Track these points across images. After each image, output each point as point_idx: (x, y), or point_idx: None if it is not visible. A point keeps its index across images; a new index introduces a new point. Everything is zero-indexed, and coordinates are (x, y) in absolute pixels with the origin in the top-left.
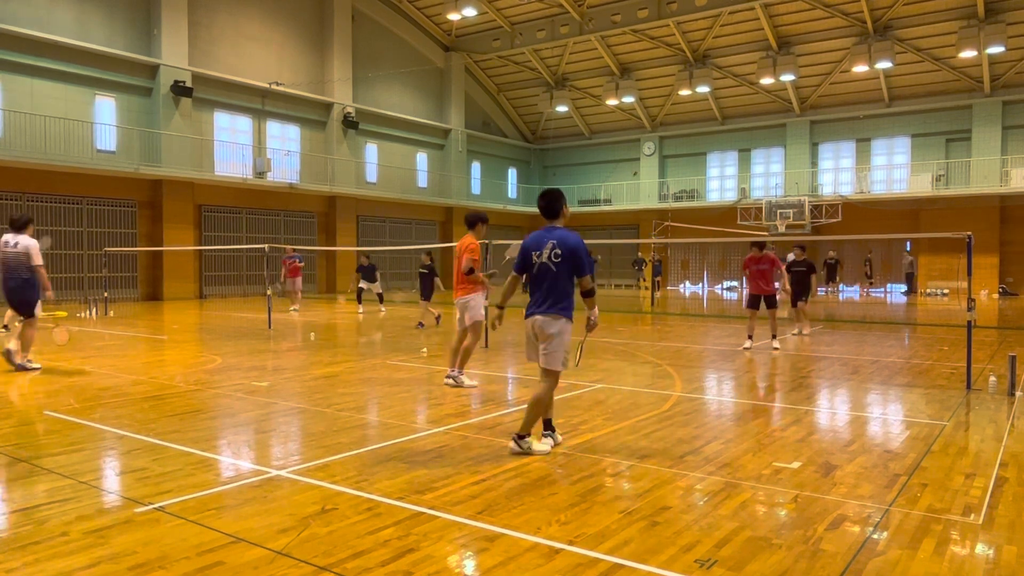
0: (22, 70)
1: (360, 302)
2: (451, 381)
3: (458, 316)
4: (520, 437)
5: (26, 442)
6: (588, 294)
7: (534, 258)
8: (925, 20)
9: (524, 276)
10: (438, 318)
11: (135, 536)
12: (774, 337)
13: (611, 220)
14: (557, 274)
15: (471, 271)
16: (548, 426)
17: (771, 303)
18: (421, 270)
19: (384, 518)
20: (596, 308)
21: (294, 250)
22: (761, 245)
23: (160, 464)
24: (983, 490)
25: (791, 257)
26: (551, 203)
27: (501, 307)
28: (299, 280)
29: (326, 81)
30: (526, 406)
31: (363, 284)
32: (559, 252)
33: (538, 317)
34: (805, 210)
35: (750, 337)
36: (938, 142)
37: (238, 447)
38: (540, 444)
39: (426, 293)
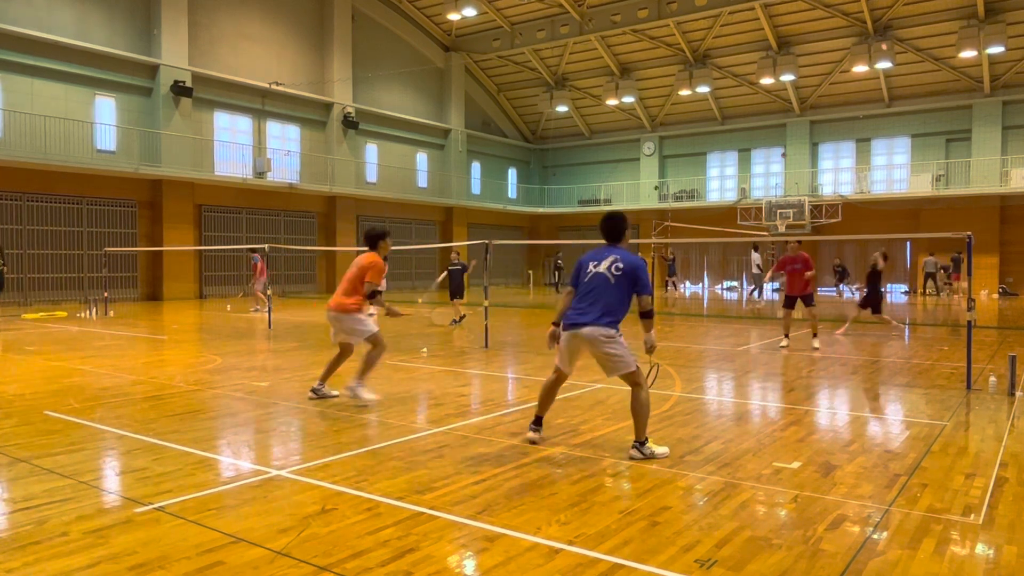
0: (22, 70)
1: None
2: (348, 392)
3: (333, 330)
4: (641, 444)
5: (26, 442)
6: (647, 315)
7: (590, 268)
8: (925, 20)
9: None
10: (462, 317)
11: (135, 536)
12: (815, 336)
13: None
14: (614, 287)
15: (374, 295)
16: (539, 421)
17: (808, 301)
18: (452, 267)
19: (384, 518)
20: (653, 331)
21: (251, 251)
22: (799, 242)
23: (160, 464)
24: (983, 490)
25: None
26: (615, 226)
27: (557, 324)
28: (261, 281)
29: (326, 81)
30: (633, 417)
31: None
32: (621, 267)
33: (587, 330)
34: (805, 210)
35: (786, 336)
36: (938, 142)
37: (238, 447)
38: (660, 448)
39: (457, 291)
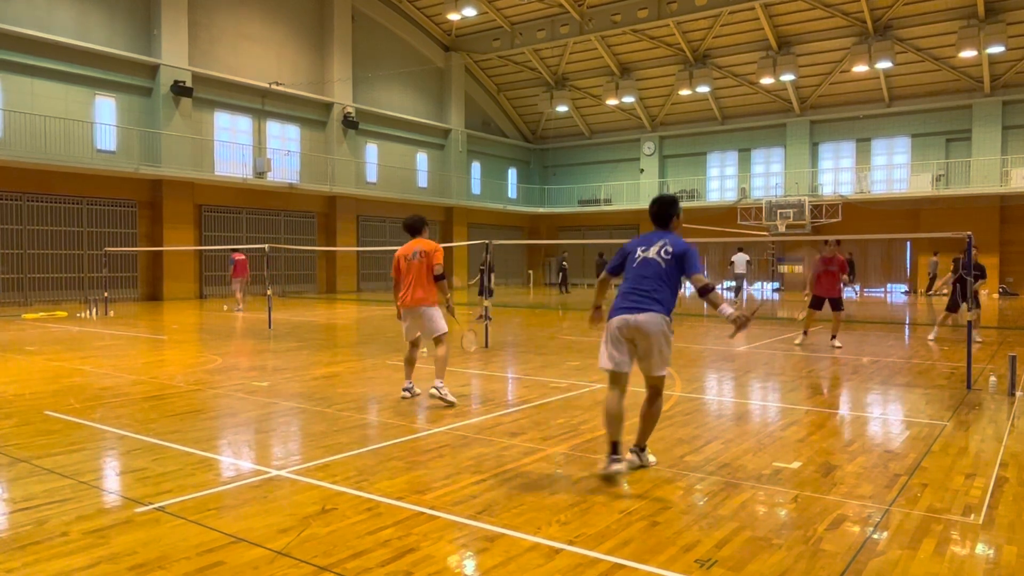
0: (22, 70)
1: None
2: (435, 394)
3: (407, 325)
4: (641, 450)
5: (26, 442)
6: (705, 291)
7: (638, 253)
8: (925, 20)
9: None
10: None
11: (135, 536)
12: (834, 337)
13: (611, 220)
14: (666, 271)
15: (442, 276)
16: (616, 449)
17: (836, 305)
18: (481, 267)
19: (384, 518)
20: (725, 304)
21: (234, 251)
22: (837, 242)
23: (160, 464)
24: (983, 490)
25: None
26: (662, 209)
27: (599, 307)
28: (237, 280)
29: (326, 81)
30: (644, 421)
31: None
32: (670, 250)
33: (639, 316)
34: (805, 210)
35: (805, 333)
36: (938, 142)
37: (238, 447)
38: (652, 456)
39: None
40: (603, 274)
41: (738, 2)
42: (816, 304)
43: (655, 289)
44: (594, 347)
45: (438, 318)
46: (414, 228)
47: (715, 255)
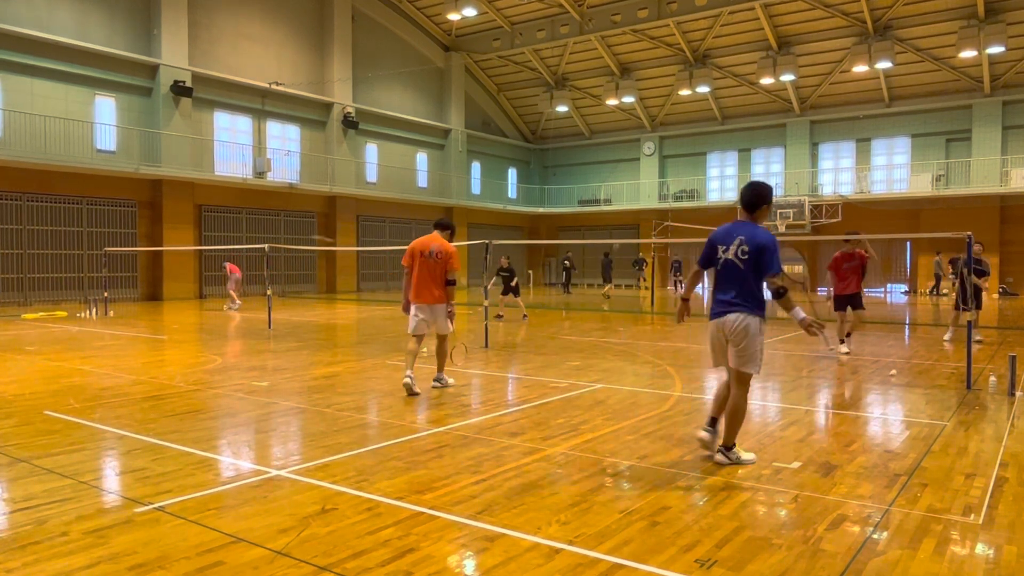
0: (22, 70)
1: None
2: (437, 384)
3: (419, 320)
4: (728, 448)
5: (26, 442)
6: (778, 294)
7: (720, 253)
8: (925, 20)
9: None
10: (524, 316)
11: (135, 536)
12: (848, 337)
13: (611, 220)
14: (745, 272)
15: (453, 283)
16: (713, 424)
17: (857, 304)
18: (503, 273)
19: (384, 518)
20: (798, 308)
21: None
22: (853, 239)
23: (160, 464)
24: (983, 490)
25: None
26: (754, 196)
27: (686, 299)
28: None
29: (326, 81)
30: (725, 419)
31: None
32: (746, 249)
33: (728, 317)
34: (805, 210)
35: (842, 341)
36: (938, 142)
37: (238, 447)
38: (747, 454)
39: (512, 290)
40: (696, 267)
41: (738, 2)
42: (841, 305)
43: (738, 294)
44: (594, 348)
45: (448, 317)
46: (442, 226)
47: None
